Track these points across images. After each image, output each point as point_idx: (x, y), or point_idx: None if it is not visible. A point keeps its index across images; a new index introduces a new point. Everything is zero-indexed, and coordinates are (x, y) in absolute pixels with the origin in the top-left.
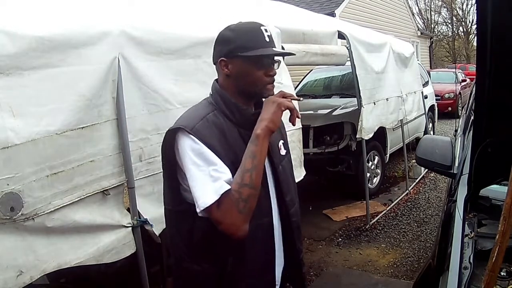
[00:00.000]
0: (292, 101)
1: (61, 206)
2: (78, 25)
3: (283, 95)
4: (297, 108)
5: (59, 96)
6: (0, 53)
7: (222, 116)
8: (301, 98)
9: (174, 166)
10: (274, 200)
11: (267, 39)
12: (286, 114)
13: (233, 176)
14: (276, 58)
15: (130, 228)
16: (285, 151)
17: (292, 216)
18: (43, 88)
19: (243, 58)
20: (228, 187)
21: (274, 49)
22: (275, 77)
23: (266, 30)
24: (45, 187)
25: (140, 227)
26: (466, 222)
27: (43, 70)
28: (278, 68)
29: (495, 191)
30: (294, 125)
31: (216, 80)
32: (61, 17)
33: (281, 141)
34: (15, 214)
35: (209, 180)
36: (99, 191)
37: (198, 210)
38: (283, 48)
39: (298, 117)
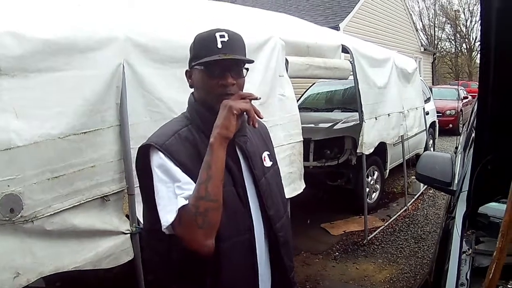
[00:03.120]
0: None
1: (61, 209)
2: (84, 30)
3: (240, 96)
4: (255, 108)
5: (63, 99)
6: (6, 54)
7: (196, 130)
8: (259, 97)
9: (149, 183)
10: (258, 215)
11: (220, 45)
12: (277, 130)
13: None
14: (247, 65)
15: (129, 235)
16: (270, 162)
17: (278, 231)
18: (47, 91)
19: (197, 68)
20: (185, 202)
21: (223, 55)
22: (279, 89)
23: (222, 36)
24: (46, 190)
25: (139, 234)
26: (464, 239)
27: (48, 73)
28: (245, 76)
29: (494, 208)
30: (254, 127)
31: (193, 92)
32: (68, 20)
33: (266, 152)
34: (15, 216)
35: (172, 196)
36: (99, 196)
37: (163, 228)
38: (287, 61)
39: (260, 118)
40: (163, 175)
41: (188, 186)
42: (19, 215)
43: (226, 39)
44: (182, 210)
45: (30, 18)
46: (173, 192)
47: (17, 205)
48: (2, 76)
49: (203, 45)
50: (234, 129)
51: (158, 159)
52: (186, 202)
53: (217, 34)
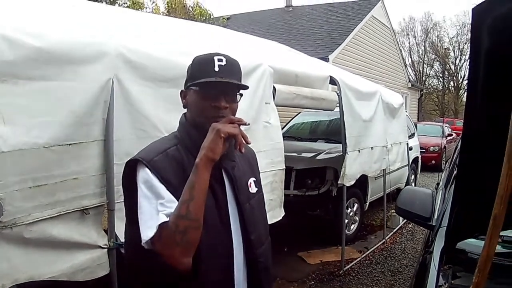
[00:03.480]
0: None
1: (40, 219)
2: (77, 41)
3: (229, 120)
4: (243, 133)
5: (51, 109)
6: None
7: (185, 151)
8: (248, 122)
9: (134, 198)
10: (240, 240)
11: (217, 69)
12: (260, 157)
13: None
14: (241, 91)
15: (106, 250)
16: (256, 189)
17: (259, 256)
18: (36, 99)
19: (192, 89)
20: (166, 219)
21: (219, 78)
22: (265, 116)
23: (220, 60)
24: (27, 198)
25: (116, 250)
26: (441, 273)
27: (38, 82)
28: (239, 101)
29: (472, 244)
30: (241, 152)
31: (185, 113)
32: (61, 31)
33: (252, 179)
34: None
35: (154, 213)
36: (79, 209)
37: (142, 242)
38: (274, 88)
39: (248, 143)
40: (147, 191)
41: (171, 204)
42: None
43: (223, 63)
44: (162, 226)
45: (25, 24)
46: (156, 208)
47: None
48: None
49: (201, 67)
50: (220, 152)
51: (144, 175)
52: (167, 219)
53: (216, 58)
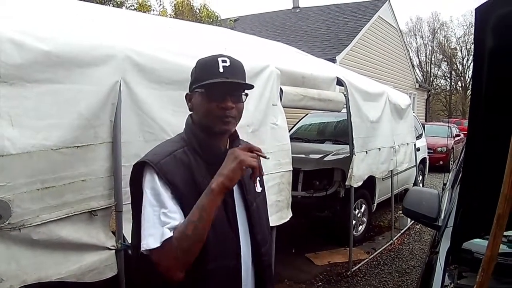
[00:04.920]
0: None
1: (48, 220)
2: (85, 44)
3: (250, 149)
4: (260, 166)
5: (59, 112)
6: (6, 62)
7: (192, 153)
8: (268, 157)
9: (141, 200)
10: (247, 240)
11: (221, 70)
12: (270, 160)
13: None
14: (246, 91)
15: (114, 251)
16: (260, 188)
17: (263, 255)
18: (44, 102)
19: (197, 91)
20: (170, 234)
21: (224, 79)
22: (272, 118)
23: (224, 61)
24: (35, 200)
25: (124, 251)
26: (447, 274)
27: (46, 85)
28: (245, 101)
29: (478, 244)
30: (254, 183)
31: (191, 115)
32: (69, 34)
33: (257, 178)
34: (3, 223)
35: (157, 222)
36: (87, 210)
37: (141, 248)
38: (281, 90)
39: (261, 175)
40: (152, 198)
41: (174, 215)
42: (7, 222)
43: (228, 64)
44: (165, 240)
45: (33, 27)
46: (158, 217)
47: (5, 212)
48: (0, 83)
49: (205, 69)
50: (236, 182)
51: (151, 180)
52: (171, 234)
53: (219, 59)
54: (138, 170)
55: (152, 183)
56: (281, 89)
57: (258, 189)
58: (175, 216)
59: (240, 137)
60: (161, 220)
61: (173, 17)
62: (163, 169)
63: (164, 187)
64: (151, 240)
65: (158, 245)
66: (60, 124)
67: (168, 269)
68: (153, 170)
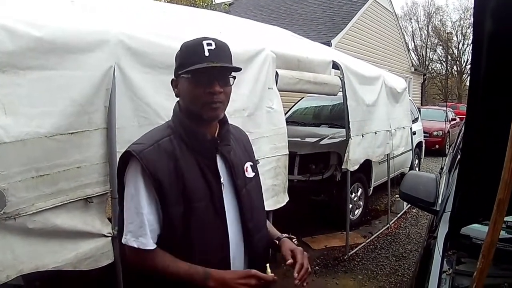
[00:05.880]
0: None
1: (43, 208)
2: (77, 30)
3: (258, 278)
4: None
5: (52, 99)
6: None
7: (178, 141)
8: None
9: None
10: (237, 228)
11: (207, 53)
12: (263, 142)
13: (175, 205)
14: (233, 73)
15: (110, 238)
16: (253, 173)
17: (257, 242)
18: (37, 89)
19: (183, 76)
20: (153, 246)
21: (211, 63)
22: (268, 101)
23: (209, 44)
24: (30, 188)
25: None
26: (445, 259)
27: (39, 71)
28: (233, 84)
29: (476, 230)
30: None
31: (178, 101)
32: (61, 20)
33: (249, 163)
34: None
35: (136, 220)
36: (82, 198)
37: (122, 240)
38: (277, 73)
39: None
40: (134, 191)
41: (149, 216)
42: (2, 212)
43: (213, 47)
44: (146, 253)
45: (25, 14)
46: (137, 215)
47: (0, 201)
48: None
49: (190, 53)
50: None
51: (134, 173)
52: (152, 247)
53: (204, 42)
54: (123, 160)
55: (135, 177)
56: (276, 72)
57: (250, 174)
58: (150, 218)
59: (236, 122)
60: (139, 220)
61: (168, 2)
62: (146, 158)
63: (145, 181)
64: (129, 236)
65: (136, 246)
66: (53, 111)
67: (132, 267)
68: (137, 160)
